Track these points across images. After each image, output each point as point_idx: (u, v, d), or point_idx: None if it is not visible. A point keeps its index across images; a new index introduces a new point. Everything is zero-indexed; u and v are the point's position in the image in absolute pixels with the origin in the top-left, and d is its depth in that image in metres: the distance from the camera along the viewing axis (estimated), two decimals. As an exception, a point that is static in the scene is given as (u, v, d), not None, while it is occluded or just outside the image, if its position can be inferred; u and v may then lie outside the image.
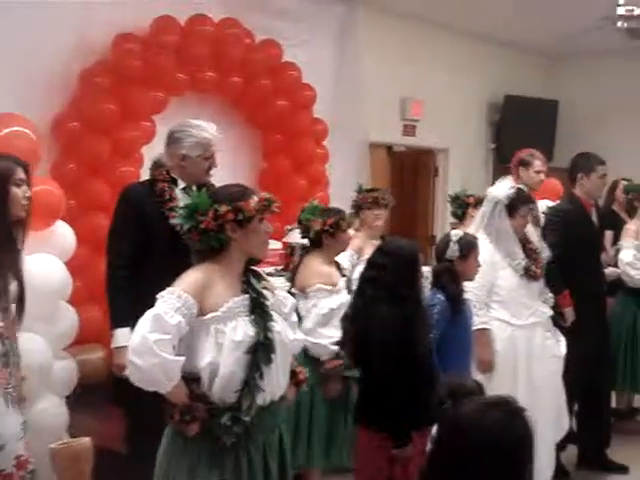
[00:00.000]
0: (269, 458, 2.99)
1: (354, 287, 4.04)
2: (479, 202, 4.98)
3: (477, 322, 4.35)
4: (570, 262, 4.95)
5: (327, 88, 7.14)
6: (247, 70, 6.30)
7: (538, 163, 5.67)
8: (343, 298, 4.29)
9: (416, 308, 3.53)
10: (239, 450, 2.88)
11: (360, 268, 4.10)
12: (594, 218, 5.42)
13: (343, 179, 6.95)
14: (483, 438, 2.00)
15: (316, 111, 6.93)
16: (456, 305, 3.96)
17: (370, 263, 3.61)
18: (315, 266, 4.43)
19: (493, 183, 4.90)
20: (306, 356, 4.13)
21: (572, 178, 5.34)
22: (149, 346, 2.70)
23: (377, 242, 4.40)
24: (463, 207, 5.70)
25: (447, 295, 3.94)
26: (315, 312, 4.27)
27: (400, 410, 3.37)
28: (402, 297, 3.45)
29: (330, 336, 4.24)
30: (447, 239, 4.04)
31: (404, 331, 3.41)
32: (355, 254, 5.05)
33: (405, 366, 3.39)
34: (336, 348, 4.24)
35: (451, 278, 3.99)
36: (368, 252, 4.21)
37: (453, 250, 3.99)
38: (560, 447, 5.03)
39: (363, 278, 3.59)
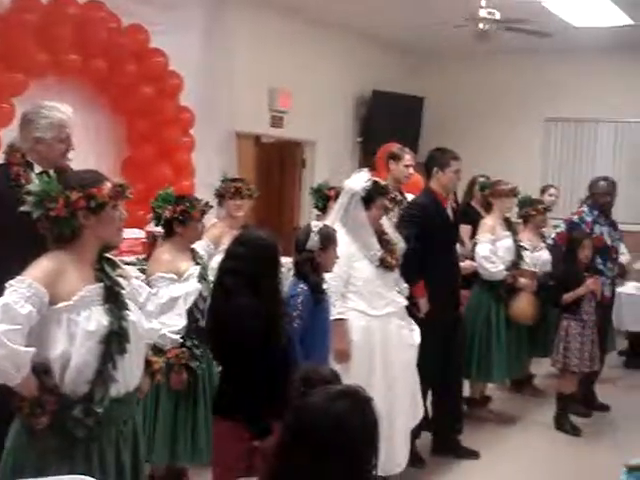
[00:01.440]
0: (122, 451, 2.96)
1: (211, 276, 4.02)
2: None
3: (334, 312, 4.42)
4: (425, 254, 5.08)
5: (195, 76, 7.07)
6: (112, 55, 6.18)
7: (408, 157, 5.83)
8: (190, 287, 4.25)
9: (275, 298, 3.54)
10: (91, 443, 2.83)
11: (218, 258, 4.08)
12: (450, 212, 5.56)
13: (209, 168, 6.92)
14: (329, 426, 2.03)
15: (183, 99, 6.86)
16: (318, 295, 4.00)
17: (228, 253, 3.59)
18: (159, 254, 4.39)
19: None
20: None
21: (428, 172, 5.48)
22: (-3, 337, 2.62)
23: (237, 232, 4.39)
24: (324, 199, 5.77)
25: (309, 285, 3.97)
26: (155, 301, 4.20)
27: (260, 401, 3.37)
28: (261, 288, 3.46)
29: (172, 325, 4.17)
30: (308, 230, 4.08)
31: (263, 321, 3.41)
32: (212, 243, 5.02)
33: (265, 356, 3.40)
34: (178, 337, 4.19)
35: (312, 269, 4.03)
36: (227, 242, 4.19)
37: (314, 241, 4.03)
38: (415, 435, 5.16)
39: (221, 268, 3.57)
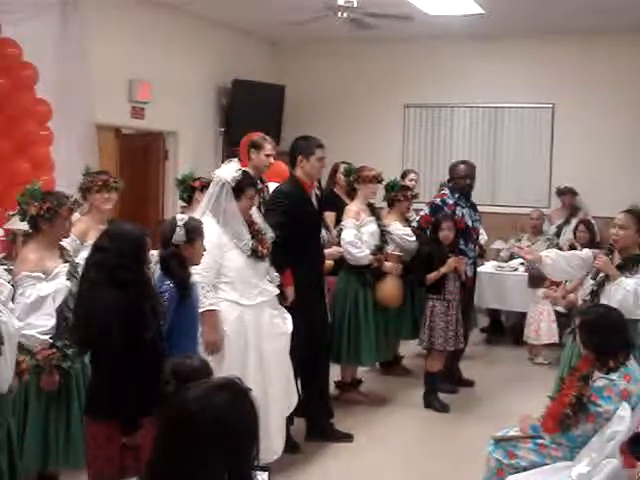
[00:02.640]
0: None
1: (79, 272, 3.91)
2: (206, 186, 5.00)
3: (206, 303, 4.40)
4: (291, 242, 5.09)
5: (51, 67, 6.84)
6: (-41, 45, 5.90)
7: (269, 147, 5.84)
8: (58, 285, 4.15)
9: (142, 292, 3.49)
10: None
11: (84, 254, 3.98)
12: (314, 200, 5.61)
13: (69, 162, 6.70)
14: (209, 420, 2.03)
15: (39, 91, 6.63)
16: (184, 290, 3.95)
17: (95, 247, 3.52)
18: (25, 253, 4.27)
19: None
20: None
21: (292, 160, 5.52)
22: None
23: (104, 226, 4.29)
24: (189, 191, 5.72)
25: (175, 281, 3.92)
26: (23, 301, 4.07)
27: (127, 397, 3.31)
28: (126, 281, 3.39)
29: (40, 325, 4.06)
30: (173, 224, 4.01)
31: (128, 316, 3.35)
32: (78, 239, 4.88)
33: (131, 351, 3.33)
34: (47, 337, 4.08)
35: (179, 263, 3.97)
36: (93, 236, 4.10)
37: (180, 235, 3.96)
38: (288, 421, 5.20)
39: (88, 263, 3.49)
